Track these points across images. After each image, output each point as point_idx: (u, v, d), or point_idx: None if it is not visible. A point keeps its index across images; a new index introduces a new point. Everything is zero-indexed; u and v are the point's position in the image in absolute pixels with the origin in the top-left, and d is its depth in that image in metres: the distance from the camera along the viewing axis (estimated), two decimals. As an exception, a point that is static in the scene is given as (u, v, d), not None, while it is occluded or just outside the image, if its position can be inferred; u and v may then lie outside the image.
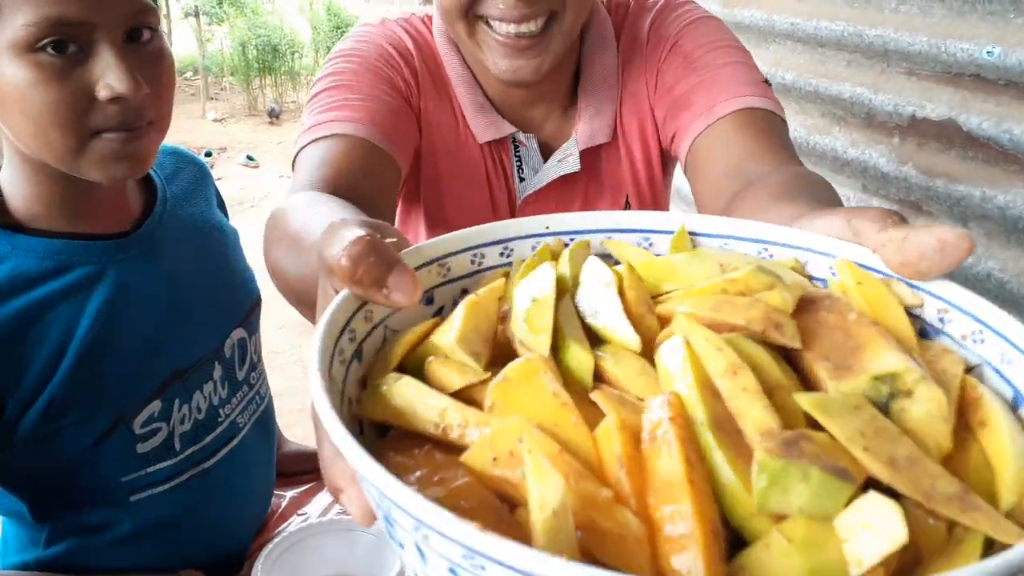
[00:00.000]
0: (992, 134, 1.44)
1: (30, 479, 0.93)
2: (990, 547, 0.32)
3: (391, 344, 0.43)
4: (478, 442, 0.35)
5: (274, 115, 8.23)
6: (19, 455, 0.89)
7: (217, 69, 9.51)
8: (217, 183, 1.17)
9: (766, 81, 0.91)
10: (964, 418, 0.38)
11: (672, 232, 0.51)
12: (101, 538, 0.97)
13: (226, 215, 1.15)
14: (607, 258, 0.50)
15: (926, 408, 0.36)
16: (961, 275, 1.53)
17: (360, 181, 0.80)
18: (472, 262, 0.49)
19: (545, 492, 0.31)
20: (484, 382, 0.39)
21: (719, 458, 0.33)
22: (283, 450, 1.31)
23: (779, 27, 1.97)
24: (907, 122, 1.63)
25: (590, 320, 0.43)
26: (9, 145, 0.87)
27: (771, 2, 2.02)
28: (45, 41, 0.77)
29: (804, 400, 0.35)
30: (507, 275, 0.48)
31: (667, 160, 1.06)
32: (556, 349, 0.41)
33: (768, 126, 0.85)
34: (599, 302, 0.43)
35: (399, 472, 0.30)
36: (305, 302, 0.60)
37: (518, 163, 1.02)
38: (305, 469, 1.30)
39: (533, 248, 0.50)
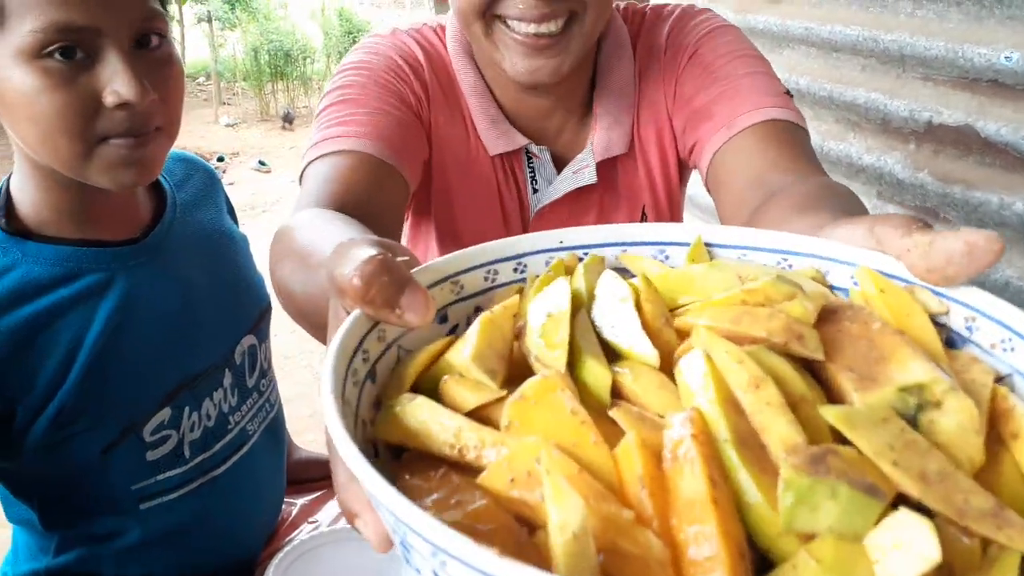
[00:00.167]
0: (1010, 140, 1.42)
1: (39, 487, 0.93)
2: None
3: (405, 364, 0.42)
4: (495, 463, 0.34)
5: (288, 120, 8.26)
6: (29, 463, 0.89)
7: (229, 74, 9.56)
8: (229, 188, 1.17)
9: (787, 92, 0.90)
10: (995, 430, 0.37)
11: (688, 244, 0.50)
12: (111, 546, 0.96)
13: (236, 222, 1.15)
14: (623, 272, 0.49)
15: (956, 420, 0.35)
16: (978, 283, 1.51)
17: (366, 198, 0.79)
18: (485, 279, 0.48)
19: (565, 515, 0.30)
20: (500, 400, 0.38)
21: (744, 476, 0.32)
22: (294, 457, 1.31)
23: (793, 32, 1.96)
24: (923, 128, 1.61)
25: (607, 335, 0.42)
26: (19, 152, 0.87)
27: (785, 7, 2.01)
28: (52, 48, 0.77)
29: (830, 413, 0.34)
30: (521, 291, 0.48)
31: (683, 169, 1.05)
32: (572, 365, 0.40)
33: (791, 137, 0.84)
34: (615, 316, 0.42)
35: (415, 495, 0.30)
36: (311, 320, 0.59)
37: (531, 175, 1.01)
38: (316, 476, 1.29)
39: (547, 263, 0.50)
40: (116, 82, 0.79)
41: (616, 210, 1.04)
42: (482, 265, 0.48)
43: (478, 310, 0.47)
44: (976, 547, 0.31)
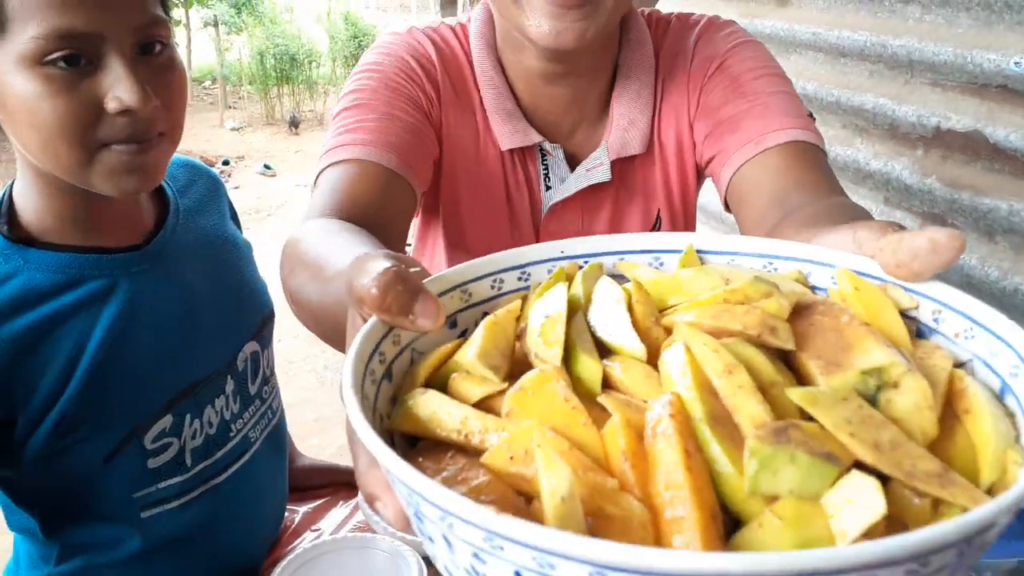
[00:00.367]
0: (1019, 146, 1.41)
1: (41, 495, 0.92)
2: None
3: (418, 364, 0.46)
4: (496, 444, 0.39)
5: (294, 124, 8.28)
6: (30, 471, 0.88)
7: (235, 78, 9.59)
8: (235, 192, 1.17)
9: (810, 114, 0.93)
10: (952, 407, 0.41)
11: (681, 251, 0.54)
12: (112, 555, 0.96)
13: (239, 228, 1.15)
14: (619, 278, 0.52)
15: (912, 398, 0.39)
16: (987, 290, 1.50)
17: (373, 210, 0.82)
18: (492, 287, 0.52)
19: (555, 482, 0.34)
20: (502, 392, 0.42)
21: (716, 449, 0.36)
22: (296, 464, 1.30)
23: (801, 37, 1.95)
24: (931, 133, 1.60)
25: (600, 334, 0.46)
26: (21, 158, 0.86)
27: (793, 12, 2.01)
28: (55, 55, 0.77)
29: (795, 394, 0.38)
30: (524, 299, 0.51)
31: (699, 176, 1.06)
32: (568, 360, 0.44)
33: (814, 159, 0.87)
34: (609, 317, 0.46)
35: (426, 474, 0.33)
36: (324, 327, 0.64)
37: (545, 172, 1.03)
38: (319, 484, 1.29)
39: (549, 272, 0.53)
40: (118, 88, 0.79)
41: (630, 208, 1.05)
42: (489, 274, 0.52)
43: (485, 316, 0.50)
44: (927, 506, 0.35)
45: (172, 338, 0.95)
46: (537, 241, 1.02)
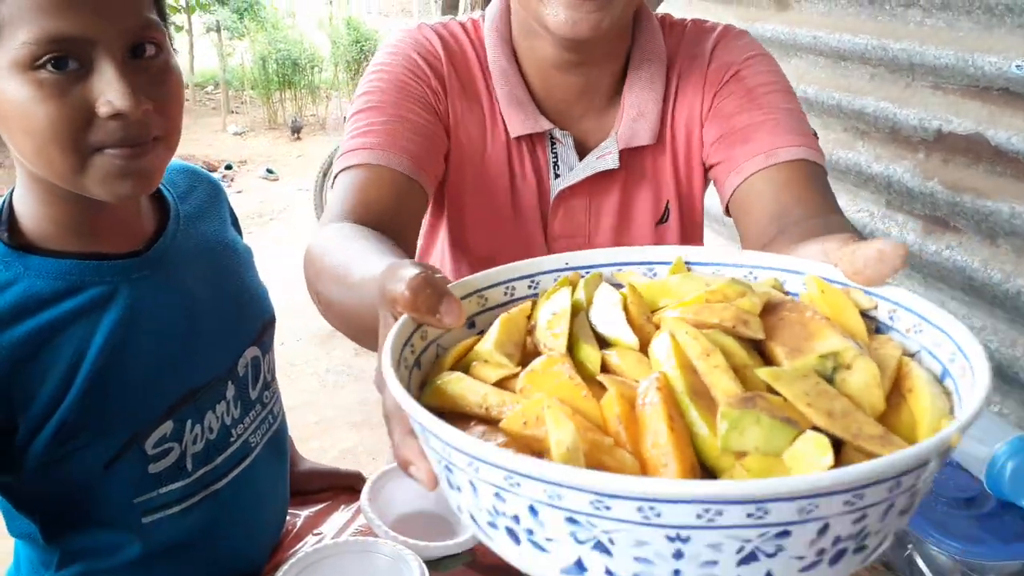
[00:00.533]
0: (1021, 149, 1.41)
1: (41, 501, 0.92)
2: None
3: (442, 356, 0.54)
4: (512, 413, 0.46)
5: (296, 129, 8.29)
6: (30, 477, 0.88)
7: (238, 83, 9.60)
8: (237, 196, 1.17)
9: (814, 132, 0.96)
10: (898, 388, 0.48)
11: (671, 263, 0.61)
12: (113, 560, 0.96)
13: (240, 233, 1.14)
14: (617, 286, 0.59)
15: (862, 378, 0.46)
16: (990, 292, 1.50)
17: (387, 213, 0.89)
18: (505, 293, 0.60)
19: (561, 435, 0.42)
20: (515, 376, 0.50)
21: (695, 415, 0.44)
22: (298, 468, 1.30)
23: (801, 40, 1.95)
24: (933, 136, 1.60)
25: (600, 329, 0.54)
26: (19, 165, 0.86)
27: (793, 15, 2.01)
28: (45, 58, 0.76)
29: (763, 372, 0.45)
30: (534, 303, 0.58)
31: (706, 175, 1.08)
32: (572, 350, 0.52)
33: (816, 178, 0.92)
34: (607, 316, 0.54)
35: None
36: (351, 326, 0.72)
37: (554, 159, 1.05)
38: (320, 488, 1.29)
39: (555, 280, 0.60)
40: (109, 92, 0.78)
41: (638, 196, 1.07)
42: (503, 282, 0.60)
43: None
44: None
45: (173, 344, 0.95)
46: (544, 228, 1.07)
